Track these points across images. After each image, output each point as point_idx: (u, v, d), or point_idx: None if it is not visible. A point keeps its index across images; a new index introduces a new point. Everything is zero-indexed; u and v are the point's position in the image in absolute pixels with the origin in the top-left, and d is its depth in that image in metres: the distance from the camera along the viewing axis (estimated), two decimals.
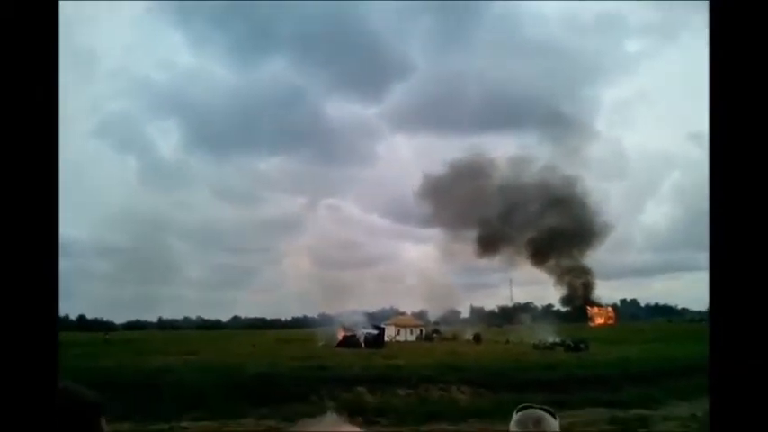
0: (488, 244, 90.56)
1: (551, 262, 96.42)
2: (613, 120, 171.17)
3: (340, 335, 48.17)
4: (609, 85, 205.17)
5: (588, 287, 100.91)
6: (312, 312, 74.63)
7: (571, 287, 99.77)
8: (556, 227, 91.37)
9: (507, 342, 54.14)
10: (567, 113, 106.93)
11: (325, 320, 61.84)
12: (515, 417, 2.29)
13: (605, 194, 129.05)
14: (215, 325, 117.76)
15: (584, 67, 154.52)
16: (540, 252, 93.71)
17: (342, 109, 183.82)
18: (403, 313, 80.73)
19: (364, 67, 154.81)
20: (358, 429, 0.57)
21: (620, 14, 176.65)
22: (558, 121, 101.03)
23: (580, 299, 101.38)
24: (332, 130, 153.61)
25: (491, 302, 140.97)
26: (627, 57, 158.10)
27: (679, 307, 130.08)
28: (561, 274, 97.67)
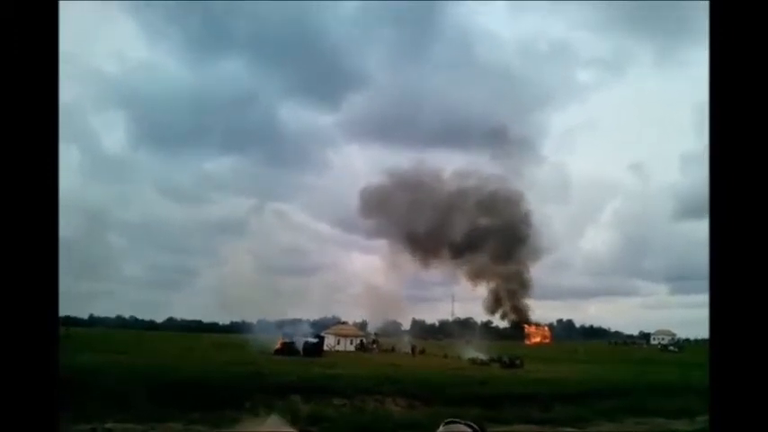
0: (425, 256, 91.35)
1: (489, 278, 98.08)
2: (559, 145, 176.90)
3: (278, 342, 47.46)
4: (557, 112, 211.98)
5: (523, 306, 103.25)
6: (251, 318, 72.95)
7: (507, 304, 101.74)
8: (495, 244, 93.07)
9: (445, 356, 54.67)
10: (516, 135, 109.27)
11: (264, 327, 60.57)
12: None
13: (547, 217, 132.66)
14: (149, 325, 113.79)
15: (534, 93, 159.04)
16: (478, 267, 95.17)
17: (296, 114, 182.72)
18: (344, 323, 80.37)
19: (321, 74, 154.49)
20: None
21: (573, 45, 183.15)
22: (506, 142, 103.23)
23: (517, 317, 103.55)
24: (284, 134, 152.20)
25: (432, 316, 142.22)
26: (577, 86, 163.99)
27: (612, 330, 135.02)
28: (498, 291, 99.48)
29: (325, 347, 53.32)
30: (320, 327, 67.48)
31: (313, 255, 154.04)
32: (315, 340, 50.60)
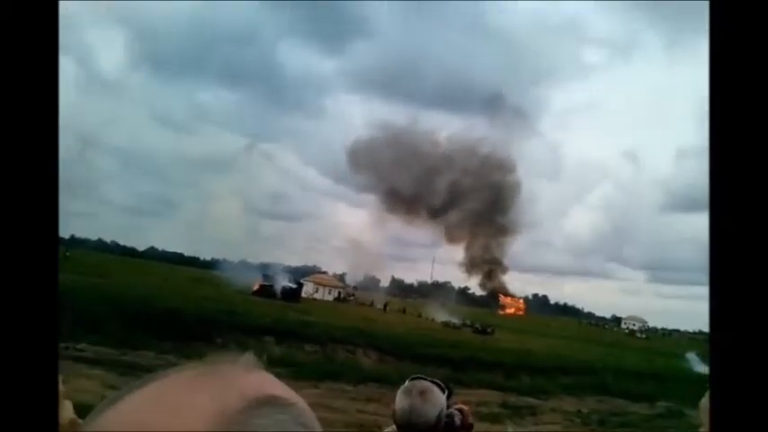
0: (409, 214, 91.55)
1: (469, 242, 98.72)
2: (557, 122, 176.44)
3: (257, 283, 47.70)
4: (559, 88, 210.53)
5: (500, 275, 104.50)
6: (232, 257, 73.27)
7: (485, 272, 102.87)
8: (480, 209, 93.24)
9: (420, 316, 55.57)
10: (515, 106, 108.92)
11: (243, 267, 60.91)
12: (404, 385, 2.30)
13: (535, 192, 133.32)
14: (130, 252, 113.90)
15: (539, 66, 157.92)
16: (461, 230, 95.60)
17: (297, 56, 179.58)
18: (324, 272, 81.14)
19: (327, 17, 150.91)
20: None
21: (584, 22, 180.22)
22: (504, 111, 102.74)
23: (493, 286, 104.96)
24: (283, 74, 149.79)
25: (412, 276, 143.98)
26: (582, 64, 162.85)
27: (585, 310, 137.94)
28: (477, 258, 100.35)
29: (303, 294, 53.76)
30: (300, 274, 67.90)
31: (299, 201, 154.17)
32: (294, 286, 50.87)
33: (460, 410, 2.37)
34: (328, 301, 59.15)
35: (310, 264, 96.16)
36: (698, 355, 43.50)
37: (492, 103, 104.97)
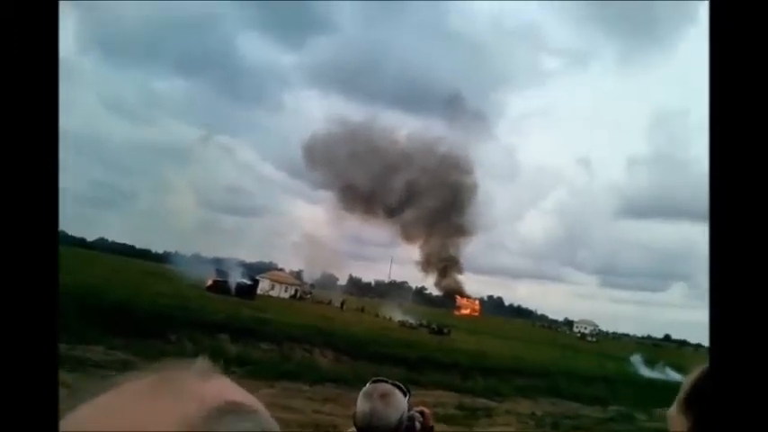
0: (366, 212, 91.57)
1: (425, 241, 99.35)
2: (514, 127, 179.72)
3: (210, 279, 46.75)
4: (517, 94, 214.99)
5: (456, 276, 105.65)
6: (185, 250, 71.51)
7: (440, 270, 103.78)
8: (437, 210, 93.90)
9: (377, 315, 55.62)
10: (473, 109, 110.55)
11: (197, 262, 59.49)
12: (365, 388, 2.28)
13: (491, 194, 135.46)
14: (79, 243, 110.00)
15: (498, 71, 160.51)
16: (418, 230, 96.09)
17: (256, 48, 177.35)
18: (281, 269, 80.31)
19: (288, 12, 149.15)
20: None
21: (543, 31, 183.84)
22: (462, 114, 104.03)
23: (449, 287, 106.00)
24: (241, 66, 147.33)
25: (369, 275, 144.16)
26: (540, 72, 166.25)
27: (538, 312, 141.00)
28: (433, 257, 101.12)
29: (259, 291, 53.11)
30: (255, 270, 66.92)
31: (256, 196, 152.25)
32: (249, 282, 50.19)
33: (421, 413, 2.38)
34: (284, 299, 58.53)
35: (266, 260, 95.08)
36: (642, 358, 45.06)
37: (451, 105, 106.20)
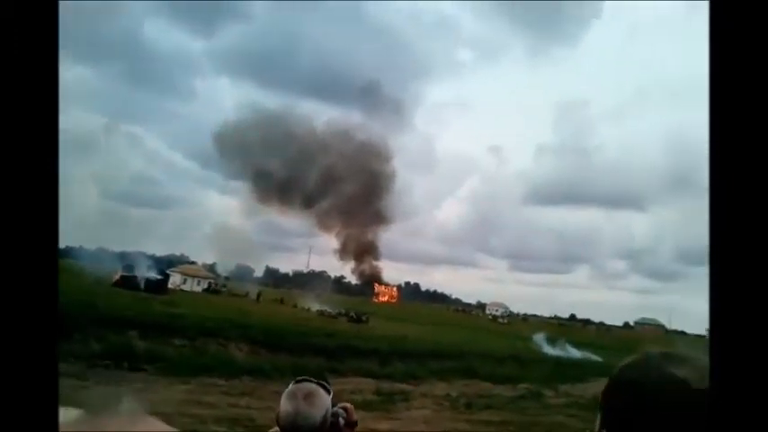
0: (282, 202, 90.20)
1: (344, 229, 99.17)
2: (430, 116, 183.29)
3: (117, 274, 44.50)
4: (433, 85, 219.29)
5: (374, 264, 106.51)
6: (90, 245, 67.41)
7: (358, 258, 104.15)
8: (356, 196, 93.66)
9: (295, 306, 55.13)
10: (390, 99, 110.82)
11: (103, 256, 56.26)
12: (288, 388, 2.29)
13: (409, 182, 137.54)
14: None
15: (414, 61, 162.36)
16: (335, 218, 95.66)
17: (165, 34, 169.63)
18: (193, 262, 77.62)
19: None
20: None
21: (458, 23, 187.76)
22: (379, 103, 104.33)
23: (368, 274, 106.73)
24: (148, 53, 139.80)
25: (287, 266, 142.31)
26: (455, 63, 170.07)
27: (453, 297, 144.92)
28: (351, 245, 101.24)
29: (170, 286, 51.21)
30: (166, 264, 64.26)
31: (165, 187, 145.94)
32: (159, 277, 48.27)
33: (345, 408, 2.40)
34: (198, 293, 56.68)
35: (177, 253, 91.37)
36: (545, 337, 47.53)
37: (368, 95, 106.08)
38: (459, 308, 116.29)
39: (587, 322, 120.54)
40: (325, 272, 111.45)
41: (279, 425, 2.25)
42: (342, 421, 2.35)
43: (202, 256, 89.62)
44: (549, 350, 42.92)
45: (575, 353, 42.96)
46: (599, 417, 0.93)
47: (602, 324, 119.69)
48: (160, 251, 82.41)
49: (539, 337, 47.19)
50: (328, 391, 2.31)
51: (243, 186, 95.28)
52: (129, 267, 48.16)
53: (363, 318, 46.52)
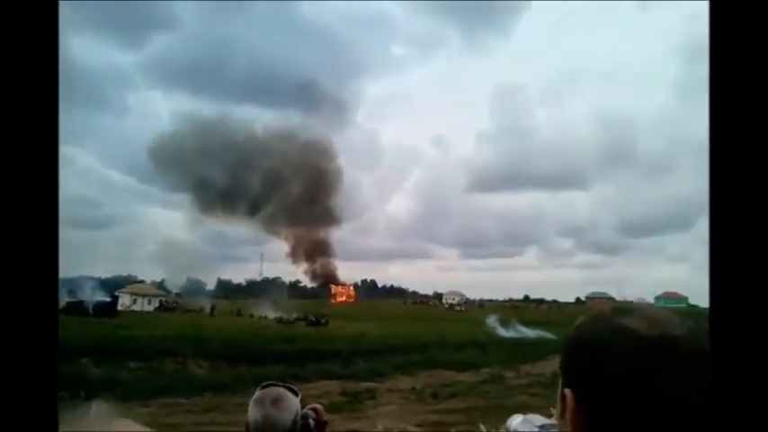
0: (228, 211, 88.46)
1: (294, 232, 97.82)
2: (372, 113, 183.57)
3: (64, 300, 42.78)
4: (372, 80, 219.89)
5: (329, 264, 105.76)
6: None
7: (311, 261, 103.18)
8: (302, 198, 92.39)
9: (252, 316, 54.31)
10: (331, 98, 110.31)
11: None
12: (255, 395, 2.24)
13: (356, 180, 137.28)
14: None
15: (351, 59, 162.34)
16: (283, 221, 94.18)
17: (91, 49, 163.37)
18: (141, 281, 75.26)
19: (122, 10, 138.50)
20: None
21: (391, 19, 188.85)
22: (319, 103, 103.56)
23: (322, 274, 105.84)
24: (74, 69, 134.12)
25: (240, 276, 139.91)
26: (392, 58, 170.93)
27: (410, 290, 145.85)
28: (303, 247, 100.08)
29: (120, 307, 49.57)
30: (113, 285, 62.11)
31: (102, 205, 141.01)
32: (107, 299, 46.68)
33: (314, 410, 2.35)
34: (149, 312, 55.08)
35: (124, 273, 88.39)
36: (498, 319, 48.59)
37: (307, 95, 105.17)
38: (417, 300, 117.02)
39: (541, 302, 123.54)
40: (279, 278, 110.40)
41: None
42: (312, 423, 2.30)
43: (150, 273, 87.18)
44: (503, 332, 43.89)
45: (528, 332, 44.09)
46: (560, 378, 0.94)
47: (554, 302, 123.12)
48: (105, 273, 79.66)
49: (491, 320, 48.14)
50: (296, 394, 2.27)
51: (184, 198, 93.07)
52: (74, 292, 46.39)
53: (322, 320, 46.27)
